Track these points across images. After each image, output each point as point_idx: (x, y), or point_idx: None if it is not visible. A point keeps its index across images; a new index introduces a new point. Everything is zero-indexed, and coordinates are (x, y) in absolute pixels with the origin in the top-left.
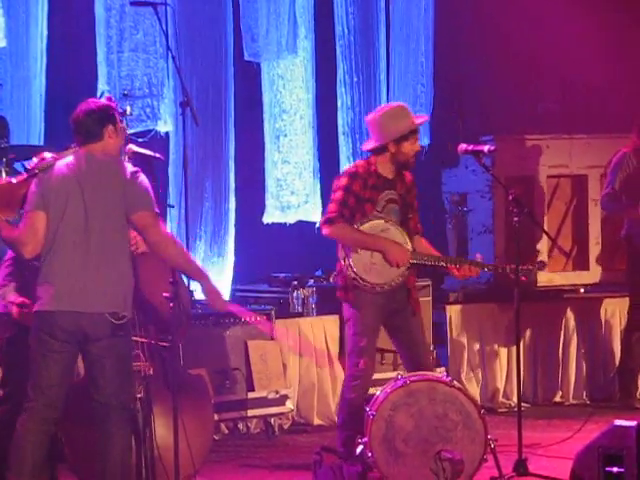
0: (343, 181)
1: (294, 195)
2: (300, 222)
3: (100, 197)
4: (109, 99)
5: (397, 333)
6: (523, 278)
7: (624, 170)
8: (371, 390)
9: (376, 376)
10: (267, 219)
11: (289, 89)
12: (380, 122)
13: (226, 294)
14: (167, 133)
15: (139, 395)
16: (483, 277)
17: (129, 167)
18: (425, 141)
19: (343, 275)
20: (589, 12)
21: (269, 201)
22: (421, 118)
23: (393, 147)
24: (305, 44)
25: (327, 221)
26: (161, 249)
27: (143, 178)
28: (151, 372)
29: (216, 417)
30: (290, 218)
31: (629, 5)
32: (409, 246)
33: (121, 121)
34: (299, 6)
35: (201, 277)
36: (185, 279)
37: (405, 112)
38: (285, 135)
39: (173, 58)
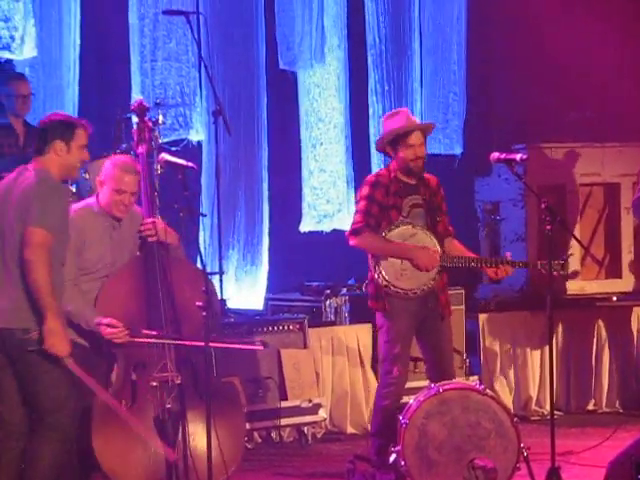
0: (365, 190)
1: (330, 204)
2: (334, 231)
3: (10, 214)
4: (140, 102)
5: (424, 337)
6: (555, 273)
7: None
8: (404, 399)
9: (409, 385)
10: (304, 228)
11: (324, 97)
12: (381, 127)
13: (260, 303)
14: (200, 142)
15: (168, 405)
16: (516, 285)
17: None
18: (458, 150)
19: (374, 283)
20: (624, 21)
21: (306, 210)
22: (417, 121)
23: (391, 151)
24: (338, 53)
25: (353, 232)
26: (25, 269)
27: (44, 192)
28: (179, 381)
29: (249, 426)
30: (326, 227)
31: None
32: (438, 249)
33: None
34: (332, 15)
35: (43, 314)
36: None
37: (399, 115)
38: (321, 144)
39: (205, 67)
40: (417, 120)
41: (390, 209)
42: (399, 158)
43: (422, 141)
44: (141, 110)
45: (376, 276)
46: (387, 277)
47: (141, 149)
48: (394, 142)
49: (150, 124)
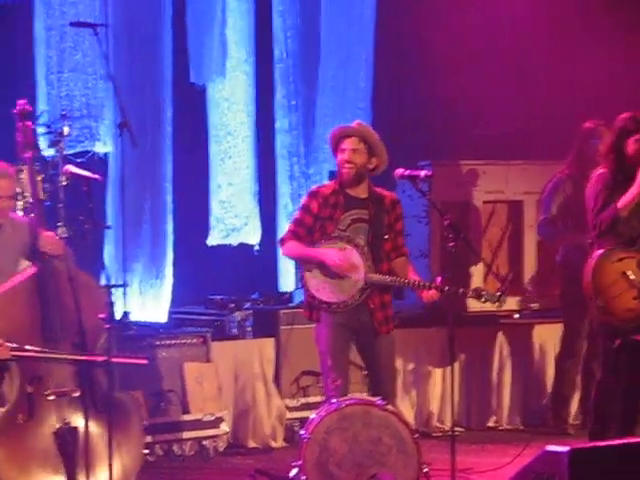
0: (303, 200)
1: (237, 218)
2: (241, 244)
3: None
4: (22, 105)
5: (361, 352)
6: (489, 303)
7: (560, 195)
8: (306, 413)
9: (311, 399)
10: (212, 241)
11: (233, 111)
12: None
13: (164, 316)
14: (106, 154)
15: (66, 419)
16: (418, 301)
17: None
18: None
19: (305, 294)
20: (529, 41)
21: (214, 223)
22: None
23: (336, 157)
24: (246, 67)
25: (280, 241)
26: None
27: None
28: (77, 394)
29: (151, 439)
30: (233, 240)
31: (565, 34)
32: (365, 266)
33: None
34: (238, 29)
35: None
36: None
37: (339, 126)
38: (230, 157)
39: (112, 79)
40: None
41: (326, 221)
42: (338, 165)
43: (357, 148)
44: (23, 114)
45: (304, 287)
46: (310, 288)
47: (27, 154)
48: (334, 151)
49: (32, 127)
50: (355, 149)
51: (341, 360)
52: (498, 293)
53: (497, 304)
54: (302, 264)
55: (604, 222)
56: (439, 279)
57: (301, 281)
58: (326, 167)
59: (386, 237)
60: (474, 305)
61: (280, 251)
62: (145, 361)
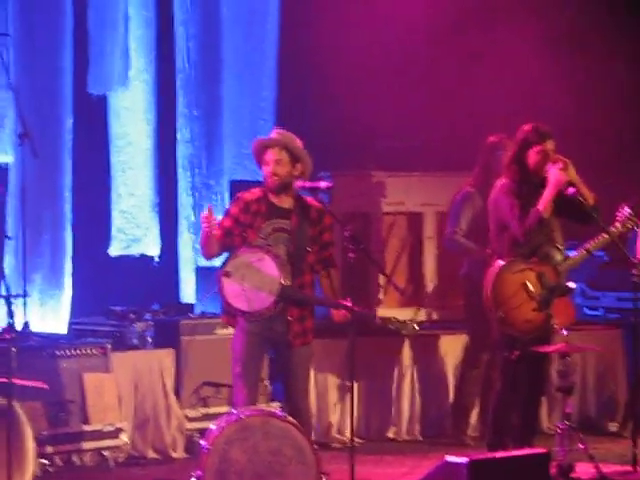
0: (228, 204)
1: (139, 228)
2: (142, 255)
3: None
4: None
5: (277, 362)
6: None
7: (470, 209)
8: (206, 424)
9: (211, 410)
10: (113, 252)
11: (134, 121)
12: None
13: (64, 327)
14: (6, 164)
15: None
16: (318, 312)
17: None
18: None
19: (222, 300)
20: (434, 53)
21: (115, 234)
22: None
23: (260, 169)
24: (145, 77)
25: (200, 246)
26: None
27: None
28: None
29: (50, 449)
30: (134, 251)
31: (470, 48)
32: (281, 279)
33: None
34: (138, 38)
35: None
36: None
37: (258, 138)
38: (131, 168)
39: (13, 89)
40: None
41: (247, 227)
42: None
43: (280, 158)
44: None
45: (220, 293)
46: (226, 295)
47: None
48: (259, 163)
49: None
50: (278, 159)
51: (250, 369)
52: (408, 321)
53: (405, 332)
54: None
55: (531, 227)
56: (348, 299)
57: (217, 287)
58: (226, 178)
59: (309, 249)
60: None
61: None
62: (45, 386)
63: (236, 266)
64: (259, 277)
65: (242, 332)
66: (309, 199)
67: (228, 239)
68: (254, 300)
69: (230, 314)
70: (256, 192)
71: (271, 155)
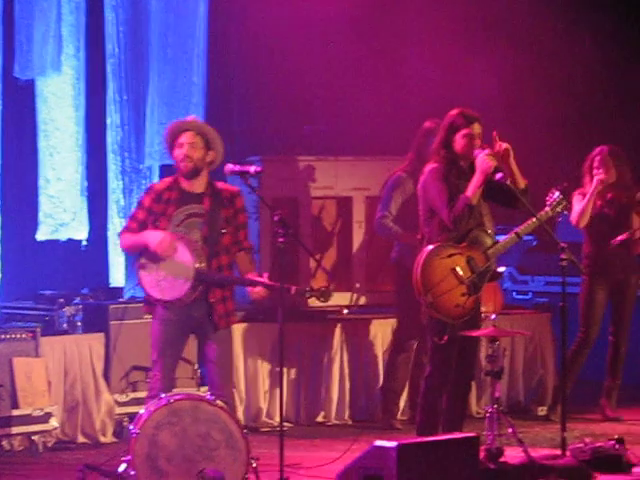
0: (140, 195)
1: (66, 212)
2: (70, 240)
3: None
4: None
5: (200, 346)
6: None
7: (401, 193)
8: (135, 408)
9: (141, 394)
10: (40, 237)
11: (61, 106)
12: None
13: None
14: None
15: None
16: (248, 297)
17: None
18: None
19: (143, 290)
20: (361, 36)
21: (42, 218)
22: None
23: (172, 156)
24: (73, 62)
25: (117, 235)
26: None
27: None
28: None
29: None
30: (62, 235)
31: (399, 30)
32: (195, 263)
33: None
34: (68, 24)
35: None
36: None
37: (174, 122)
38: (58, 152)
39: None
40: (202, 124)
41: (159, 216)
42: (174, 160)
43: (194, 141)
44: None
45: (139, 284)
46: (145, 286)
47: None
48: (170, 147)
49: None
50: (192, 142)
51: (167, 355)
52: (322, 289)
53: (322, 299)
54: (135, 255)
55: (460, 213)
56: (266, 275)
57: (136, 279)
58: (156, 163)
59: (224, 231)
60: (311, 300)
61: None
62: None
63: (150, 257)
64: (173, 265)
65: (159, 319)
66: (220, 183)
67: (143, 230)
68: (171, 288)
69: (150, 303)
70: (167, 180)
71: (185, 138)
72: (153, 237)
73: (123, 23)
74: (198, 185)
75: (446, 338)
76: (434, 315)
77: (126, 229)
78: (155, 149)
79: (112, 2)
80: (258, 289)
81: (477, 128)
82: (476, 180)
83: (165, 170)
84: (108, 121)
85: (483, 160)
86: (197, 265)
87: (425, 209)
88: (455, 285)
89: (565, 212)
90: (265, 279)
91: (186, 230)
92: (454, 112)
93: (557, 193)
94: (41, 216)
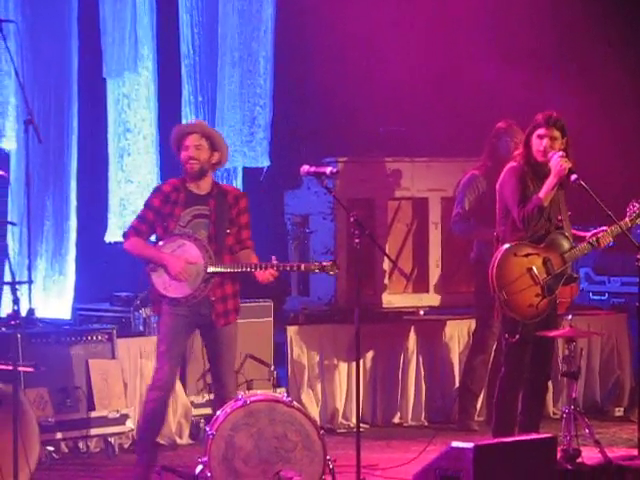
0: (147, 196)
1: (136, 215)
2: None
3: None
4: None
5: (204, 345)
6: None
7: (473, 192)
8: (212, 410)
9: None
10: (109, 238)
11: (134, 108)
12: None
13: (68, 313)
14: (9, 151)
15: None
16: (325, 298)
17: None
18: (265, 163)
19: (151, 290)
20: (427, 40)
21: (112, 220)
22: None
23: (179, 156)
24: (148, 63)
25: (123, 235)
26: None
27: None
28: None
29: (56, 436)
30: None
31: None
32: (205, 258)
33: None
34: (142, 25)
35: None
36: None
37: (180, 125)
38: (129, 154)
39: (17, 75)
40: (206, 126)
41: (167, 217)
42: (181, 162)
43: (200, 144)
44: None
45: (150, 286)
46: (158, 288)
47: None
48: (178, 148)
49: None
50: (197, 145)
51: (174, 348)
52: (331, 264)
53: (332, 273)
54: (144, 261)
55: (530, 213)
56: (274, 258)
57: (148, 281)
58: (231, 165)
59: (228, 231)
60: (387, 301)
61: (124, 245)
62: (32, 369)
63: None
64: (184, 262)
65: (168, 314)
66: (225, 185)
67: (151, 231)
68: (182, 286)
69: (156, 303)
70: (174, 182)
71: (191, 140)
72: (172, 265)
73: (197, 25)
74: (204, 186)
75: (518, 337)
76: (507, 313)
77: (134, 230)
78: (234, 152)
79: (187, 3)
80: (268, 272)
81: (555, 132)
82: (549, 182)
83: (248, 172)
84: (183, 122)
85: (557, 162)
86: (208, 260)
87: (501, 207)
88: (530, 285)
89: None
90: (273, 261)
91: (193, 230)
92: (542, 112)
93: (637, 205)
94: (111, 217)
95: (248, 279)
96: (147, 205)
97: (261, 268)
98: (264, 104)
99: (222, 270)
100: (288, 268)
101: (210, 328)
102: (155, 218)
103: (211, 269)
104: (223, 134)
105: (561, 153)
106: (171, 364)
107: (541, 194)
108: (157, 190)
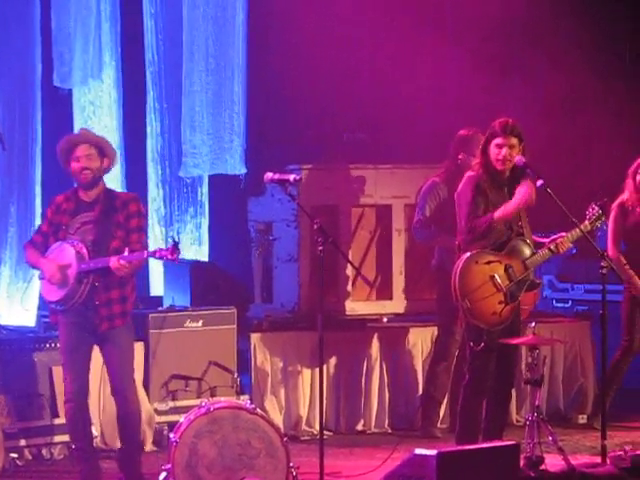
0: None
1: None
2: None
3: None
4: None
5: (100, 352)
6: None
7: (434, 199)
8: (175, 417)
9: (180, 403)
10: None
11: (99, 115)
12: None
13: (32, 320)
14: None
15: None
16: (288, 305)
17: None
18: (242, 170)
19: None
20: (402, 45)
21: None
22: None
23: (68, 168)
24: (110, 71)
25: (23, 247)
26: None
27: None
28: None
29: (19, 443)
30: None
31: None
32: (75, 261)
33: None
34: (105, 32)
35: None
36: None
37: (67, 136)
38: None
39: None
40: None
41: (58, 227)
42: (72, 172)
43: (90, 153)
44: None
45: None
46: (42, 293)
47: None
48: (67, 158)
49: None
50: (88, 154)
51: (74, 359)
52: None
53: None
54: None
55: (478, 228)
56: (127, 250)
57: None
58: (195, 171)
59: (114, 235)
60: (351, 308)
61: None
62: None
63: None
64: (56, 265)
65: (62, 324)
66: (117, 191)
67: (46, 242)
68: (57, 289)
69: (51, 313)
70: (68, 193)
71: (82, 151)
72: (46, 268)
73: (162, 31)
74: (93, 194)
75: (483, 345)
76: (471, 321)
77: (30, 243)
78: (201, 160)
79: (151, 10)
80: (119, 263)
81: (512, 139)
82: (509, 207)
83: (214, 180)
84: (148, 129)
85: (527, 194)
86: (82, 260)
87: (459, 216)
88: (493, 292)
89: (604, 227)
90: (125, 252)
91: (81, 237)
92: (497, 121)
93: (596, 207)
94: None
95: (213, 287)
96: (43, 216)
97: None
98: (239, 110)
99: (87, 268)
100: (140, 256)
101: (96, 333)
102: (48, 229)
103: (83, 269)
104: (199, 141)
105: (540, 182)
106: (73, 375)
107: (496, 215)
108: (51, 201)
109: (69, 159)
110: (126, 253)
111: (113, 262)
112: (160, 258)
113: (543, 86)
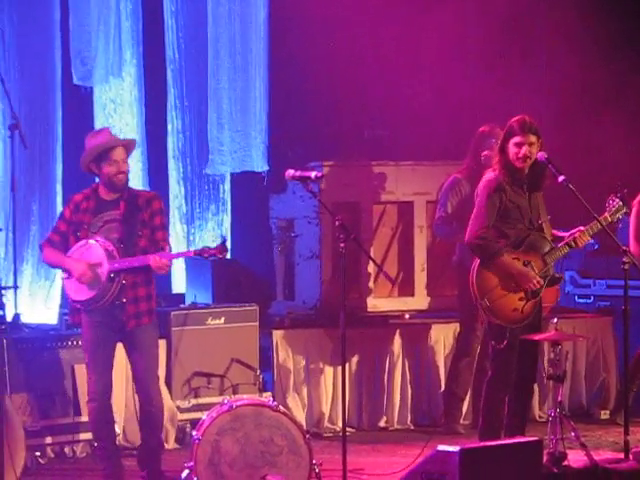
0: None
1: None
2: None
3: None
4: None
5: (125, 353)
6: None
7: (456, 195)
8: (198, 414)
9: (203, 400)
10: None
11: (119, 113)
12: (85, 146)
13: (54, 318)
14: None
15: None
16: (310, 302)
17: None
18: (264, 167)
19: (68, 299)
20: (418, 42)
21: None
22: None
23: (96, 169)
24: (130, 69)
25: (39, 247)
26: None
27: None
28: None
29: (42, 441)
30: None
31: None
32: (109, 257)
33: None
34: (126, 30)
35: None
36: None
37: (101, 134)
38: None
39: (2, 81)
40: (119, 137)
41: (78, 226)
42: (103, 174)
43: (124, 157)
44: None
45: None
46: (68, 293)
47: None
48: (98, 159)
49: None
50: (124, 158)
51: (98, 358)
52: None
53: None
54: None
55: (477, 242)
56: (167, 247)
57: (64, 289)
58: (223, 168)
59: (140, 234)
60: (373, 305)
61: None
62: None
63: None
64: (86, 264)
65: (86, 325)
66: (137, 189)
67: (65, 242)
68: (92, 286)
69: (73, 313)
70: (85, 192)
71: (118, 155)
72: (74, 268)
73: (182, 29)
74: (109, 193)
75: (506, 342)
76: (492, 320)
77: (48, 241)
78: (229, 157)
79: (172, 8)
80: (160, 261)
81: (531, 137)
82: (509, 270)
83: (236, 177)
84: (169, 127)
85: (531, 282)
86: (107, 259)
87: None
88: (512, 289)
89: (626, 217)
90: (165, 249)
91: (105, 236)
92: (514, 118)
93: (616, 199)
94: None
95: (235, 284)
96: (60, 216)
97: (151, 258)
98: (261, 107)
99: (120, 267)
100: (179, 254)
101: (123, 331)
102: (67, 228)
103: (115, 268)
104: (227, 139)
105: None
106: (98, 374)
107: (494, 256)
108: (69, 200)
109: (102, 162)
110: (167, 251)
111: (154, 261)
112: (208, 257)
113: (561, 78)
